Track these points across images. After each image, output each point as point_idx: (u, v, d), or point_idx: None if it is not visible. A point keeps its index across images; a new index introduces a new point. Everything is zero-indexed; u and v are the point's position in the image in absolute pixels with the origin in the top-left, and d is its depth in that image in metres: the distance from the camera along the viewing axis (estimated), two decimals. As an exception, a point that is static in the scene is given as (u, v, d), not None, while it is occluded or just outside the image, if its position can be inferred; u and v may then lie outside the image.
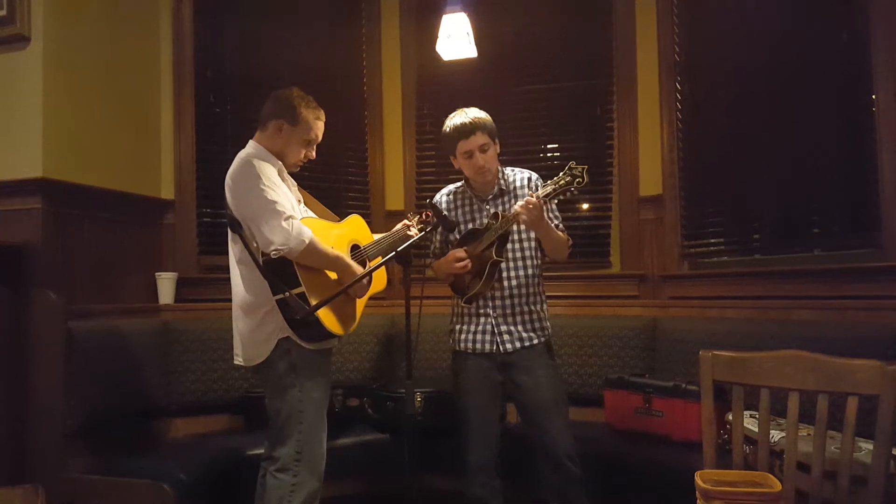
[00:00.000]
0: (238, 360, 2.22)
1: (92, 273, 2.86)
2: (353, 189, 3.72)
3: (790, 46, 2.82)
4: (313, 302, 2.01)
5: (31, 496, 1.94)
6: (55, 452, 2.43)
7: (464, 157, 2.36)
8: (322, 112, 2.28)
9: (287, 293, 2.00)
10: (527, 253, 2.38)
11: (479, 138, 2.32)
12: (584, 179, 2.18)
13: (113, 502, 2.34)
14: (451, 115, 2.39)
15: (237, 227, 2.10)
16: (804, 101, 2.78)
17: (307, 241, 2.00)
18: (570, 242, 2.41)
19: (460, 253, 2.32)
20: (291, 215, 2.02)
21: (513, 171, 2.48)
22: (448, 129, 2.37)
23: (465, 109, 2.38)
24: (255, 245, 2.08)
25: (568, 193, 2.22)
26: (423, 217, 2.51)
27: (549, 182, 2.25)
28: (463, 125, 2.33)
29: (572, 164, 2.21)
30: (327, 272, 2.16)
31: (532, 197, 2.17)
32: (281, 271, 2.03)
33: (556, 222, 2.39)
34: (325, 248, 2.09)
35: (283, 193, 2.10)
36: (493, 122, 2.38)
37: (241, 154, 2.17)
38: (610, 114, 3.44)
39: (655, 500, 2.33)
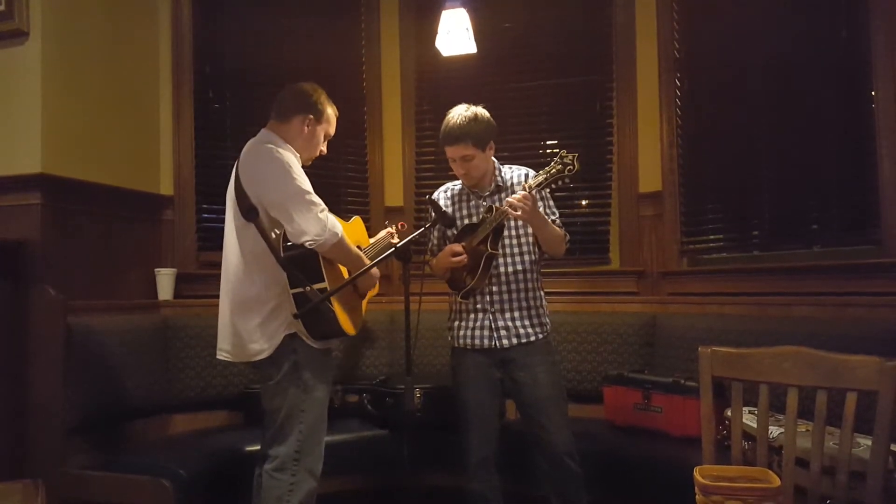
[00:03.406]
0: (224, 356, 2.15)
1: (91, 269, 2.86)
2: (352, 185, 3.71)
3: (789, 42, 2.82)
4: (333, 299, 1.99)
5: (32, 491, 1.94)
6: (55, 448, 2.43)
7: (450, 160, 2.38)
8: (335, 106, 2.29)
9: (308, 287, 1.96)
10: (524, 248, 2.38)
11: (462, 149, 2.29)
12: (574, 167, 2.15)
13: (112, 498, 2.34)
14: (454, 109, 2.35)
15: (254, 215, 2.03)
16: (804, 97, 2.78)
17: (340, 235, 2.00)
18: (567, 238, 2.41)
19: (457, 247, 2.32)
20: (325, 207, 2.00)
21: (510, 168, 2.47)
22: (442, 128, 2.35)
23: (463, 111, 2.32)
24: (273, 236, 2.03)
25: (560, 182, 2.20)
26: (399, 227, 2.57)
27: (540, 172, 2.23)
28: (450, 132, 2.30)
29: (563, 152, 2.18)
30: (342, 270, 2.16)
31: (524, 188, 2.17)
32: (305, 265, 1.99)
33: (552, 217, 2.39)
34: (351, 245, 2.09)
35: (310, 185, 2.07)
36: (488, 125, 2.33)
37: (262, 140, 2.12)
38: (609, 110, 3.43)
39: (654, 496, 2.34)
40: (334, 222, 2.00)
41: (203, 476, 2.45)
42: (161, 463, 2.41)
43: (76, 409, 2.46)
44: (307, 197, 1.98)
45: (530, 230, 2.36)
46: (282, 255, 2.01)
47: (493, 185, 2.42)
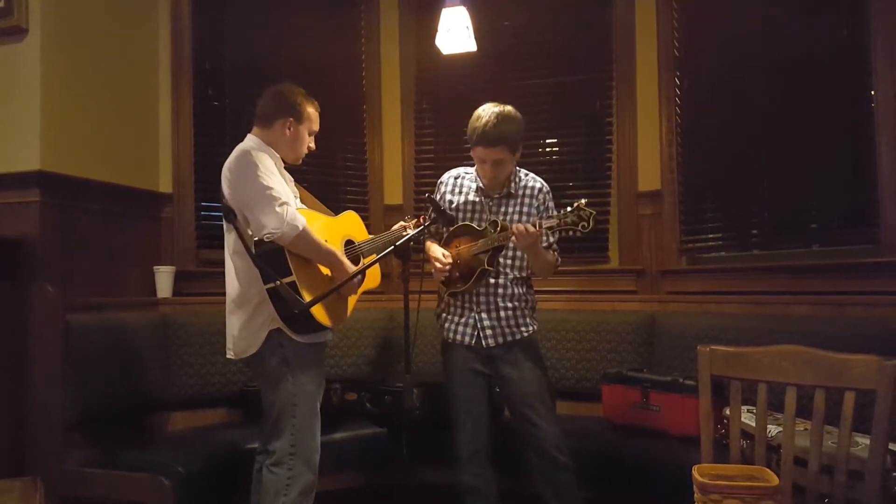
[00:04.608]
0: (230, 354, 2.22)
1: (90, 266, 2.86)
2: (351, 183, 3.71)
3: (789, 41, 2.82)
4: (304, 292, 2.02)
5: (31, 489, 1.94)
6: (54, 445, 2.43)
7: (477, 159, 2.34)
8: (316, 102, 2.33)
9: (278, 282, 2.00)
10: (517, 262, 2.38)
11: (497, 153, 2.24)
12: (589, 225, 2.07)
13: (111, 495, 2.34)
14: (486, 108, 2.27)
15: (232, 216, 2.11)
16: (803, 96, 2.78)
17: (301, 228, 2.02)
18: (559, 263, 2.41)
19: (438, 250, 2.32)
20: (286, 201, 2.04)
21: (527, 175, 2.43)
22: (475, 126, 2.26)
23: (497, 111, 2.24)
24: (249, 234, 2.09)
25: (570, 232, 2.13)
26: (420, 221, 2.50)
27: (554, 215, 2.17)
28: (486, 134, 2.21)
29: (582, 203, 2.09)
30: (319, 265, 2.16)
31: (534, 226, 2.13)
32: (272, 260, 2.04)
33: (551, 240, 2.37)
34: (318, 239, 2.10)
35: (280, 182, 2.13)
36: (520, 127, 2.28)
37: (240, 146, 2.19)
38: (609, 108, 3.43)
39: (653, 495, 2.34)
40: (294, 215, 2.03)
41: (202, 473, 2.45)
42: (160, 460, 2.41)
43: (75, 407, 2.46)
44: (267, 192, 2.03)
45: None
46: (253, 252, 2.06)
47: (505, 189, 2.39)
